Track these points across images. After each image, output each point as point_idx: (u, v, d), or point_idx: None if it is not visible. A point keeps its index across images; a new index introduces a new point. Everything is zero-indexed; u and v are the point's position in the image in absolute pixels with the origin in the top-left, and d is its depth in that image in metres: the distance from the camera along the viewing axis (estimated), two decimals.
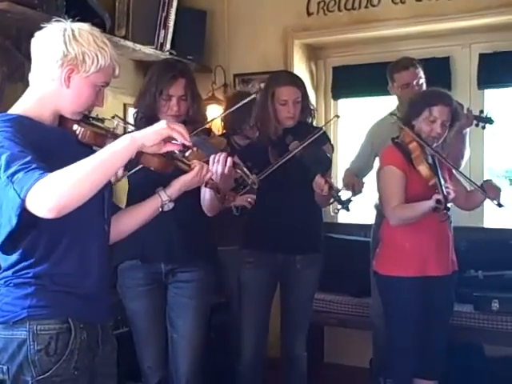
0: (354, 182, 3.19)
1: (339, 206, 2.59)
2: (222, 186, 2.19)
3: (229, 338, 3.38)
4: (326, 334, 4.13)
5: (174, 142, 1.71)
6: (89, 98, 1.75)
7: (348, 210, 2.59)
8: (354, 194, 3.11)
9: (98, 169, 1.56)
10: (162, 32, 3.95)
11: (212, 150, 2.34)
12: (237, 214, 2.73)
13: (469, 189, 2.98)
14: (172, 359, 2.60)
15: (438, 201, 2.58)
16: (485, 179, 2.90)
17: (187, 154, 2.08)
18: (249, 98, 2.54)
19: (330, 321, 3.80)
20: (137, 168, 2.29)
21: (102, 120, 1.86)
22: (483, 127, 3.24)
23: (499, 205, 2.74)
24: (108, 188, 1.81)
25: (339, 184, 3.31)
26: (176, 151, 1.78)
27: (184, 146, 1.74)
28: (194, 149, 1.87)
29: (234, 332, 3.15)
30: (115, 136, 1.72)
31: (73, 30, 1.69)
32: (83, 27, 1.72)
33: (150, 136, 1.65)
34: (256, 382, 3.01)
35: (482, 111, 3.24)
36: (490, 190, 2.78)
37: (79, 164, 1.54)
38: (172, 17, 3.96)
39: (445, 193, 2.60)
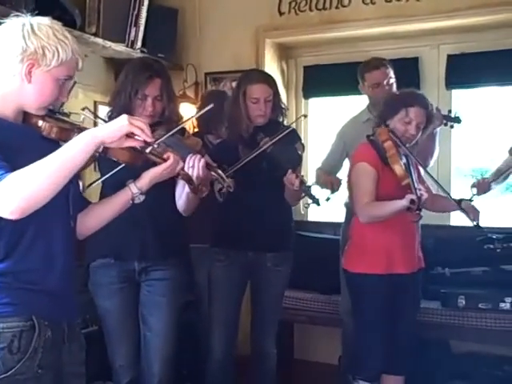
0: (333, 181, 3.20)
1: (310, 201, 2.62)
2: (199, 179, 2.20)
3: (198, 337, 3.39)
4: (296, 332, 4.15)
5: (136, 137, 1.71)
6: (52, 93, 1.73)
7: (319, 204, 2.63)
8: (333, 191, 3.13)
9: (58, 167, 1.56)
10: (133, 30, 3.94)
11: (187, 150, 2.34)
12: (221, 200, 2.72)
13: (434, 192, 3.02)
14: (144, 357, 2.60)
15: (411, 201, 2.61)
16: (462, 198, 2.94)
17: (161, 150, 2.09)
18: (207, 108, 2.55)
19: (300, 318, 3.81)
20: (113, 172, 2.29)
21: (68, 114, 1.85)
22: (451, 126, 3.29)
23: (478, 226, 2.78)
24: (73, 183, 1.80)
25: (310, 181, 3.33)
26: (138, 147, 1.77)
27: (145, 142, 1.73)
28: (155, 145, 1.86)
29: (204, 330, 3.16)
30: (81, 130, 1.71)
31: (32, 25, 1.67)
32: (43, 21, 1.70)
33: (111, 132, 1.64)
34: (226, 381, 3.01)
35: (450, 111, 3.29)
36: (470, 210, 2.82)
37: (40, 163, 1.53)
38: (143, 14, 3.95)
39: (418, 193, 2.63)
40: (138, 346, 2.61)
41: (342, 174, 3.36)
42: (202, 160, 2.28)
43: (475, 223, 2.79)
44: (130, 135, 1.68)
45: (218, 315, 2.96)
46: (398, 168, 2.73)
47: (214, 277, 2.98)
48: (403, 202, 2.63)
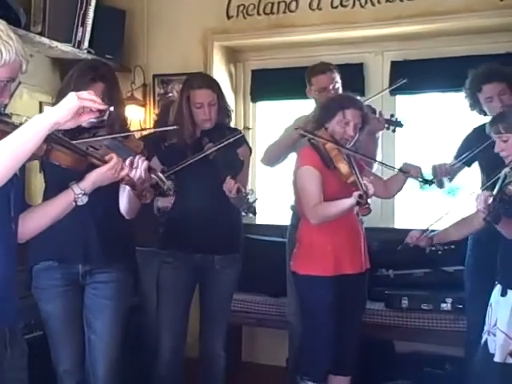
0: None
1: (246, 210, 2.62)
2: (143, 185, 2.19)
3: (145, 340, 3.36)
4: (244, 334, 4.17)
5: (90, 109, 1.69)
6: None
7: (255, 214, 2.64)
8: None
9: (9, 154, 1.53)
10: (80, 30, 3.88)
11: (128, 152, 2.32)
12: (158, 215, 2.73)
13: (385, 178, 3.09)
14: (89, 361, 2.56)
15: (359, 196, 2.67)
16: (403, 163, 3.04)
17: (101, 153, 2.07)
18: (170, 128, 2.56)
19: (248, 321, 3.84)
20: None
21: (10, 116, 1.81)
22: (393, 130, 3.37)
23: (425, 180, 2.86)
24: (14, 185, 1.76)
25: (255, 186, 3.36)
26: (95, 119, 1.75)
27: (100, 111, 1.71)
28: (111, 108, 1.83)
29: (151, 334, 3.14)
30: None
31: None
32: None
33: (62, 112, 1.62)
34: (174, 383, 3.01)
35: (392, 115, 3.37)
36: (410, 169, 2.89)
37: None
38: (90, 15, 3.90)
39: (364, 188, 2.69)
40: (82, 350, 2.57)
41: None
42: (145, 162, 2.27)
43: (420, 179, 2.87)
44: (82, 111, 1.66)
45: (166, 318, 2.94)
46: (343, 167, 2.81)
47: (162, 279, 2.96)
48: (352, 200, 2.70)
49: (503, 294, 2.57)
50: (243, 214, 2.69)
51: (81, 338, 2.56)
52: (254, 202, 2.61)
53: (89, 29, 3.90)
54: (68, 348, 2.56)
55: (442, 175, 3.10)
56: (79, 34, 3.87)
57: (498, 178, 2.42)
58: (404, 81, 3.43)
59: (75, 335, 2.56)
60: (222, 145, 2.79)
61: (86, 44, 3.90)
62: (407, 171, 2.92)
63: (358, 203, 2.69)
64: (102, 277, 2.54)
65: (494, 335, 2.58)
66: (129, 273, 2.64)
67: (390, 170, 3.05)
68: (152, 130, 3.01)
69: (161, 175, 2.34)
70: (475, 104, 3.13)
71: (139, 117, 4.22)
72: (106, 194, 2.28)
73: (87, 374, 2.58)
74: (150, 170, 2.28)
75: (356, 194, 2.69)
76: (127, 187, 2.27)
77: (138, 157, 2.24)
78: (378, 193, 2.94)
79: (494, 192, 2.34)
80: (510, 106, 3.02)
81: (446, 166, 3.11)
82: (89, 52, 3.91)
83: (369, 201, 2.71)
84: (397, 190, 3.12)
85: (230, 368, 3.22)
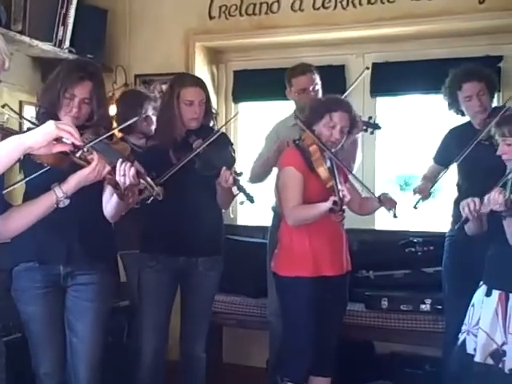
0: None
1: (244, 198, 2.65)
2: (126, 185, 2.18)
3: (127, 342, 3.35)
4: (225, 335, 4.17)
5: (65, 140, 1.68)
6: None
7: (253, 201, 2.66)
8: None
9: None
10: (61, 29, 3.85)
11: (116, 156, 2.31)
12: (136, 206, 2.69)
13: (363, 195, 3.10)
14: (71, 364, 2.55)
15: (334, 202, 2.67)
16: (382, 192, 3.00)
17: (86, 153, 2.06)
18: (131, 121, 2.54)
19: (229, 322, 3.84)
20: (35, 174, 2.23)
21: None
22: (372, 132, 3.38)
23: (395, 215, 2.85)
24: None
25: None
26: (68, 151, 1.74)
27: (75, 145, 1.71)
28: (85, 149, 1.83)
29: (133, 335, 3.12)
30: (4, 130, 1.66)
31: None
32: None
33: (39, 138, 1.62)
34: None
35: (370, 117, 3.38)
36: (386, 202, 2.88)
37: None
38: (72, 14, 3.88)
39: (341, 195, 2.69)
40: (63, 353, 2.56)
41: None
42: (133, 168, 2.25)
43: (391, 213, 2.86)
44: (58, 139, 1.65)
45: (147, 320, 2.93)
46: (323, 171, 2.81)
47: (144, 282, 2.95)
48: (327, 204, 2.70)
49: (488, 294, 2.60)
50: (240, 203, 2.69)
51: (62, 341, 2.55)
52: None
53: (70, 28, 3.88)
54: (49, 350, 2.55)
55: (425, 198, 3.10)
56: (60, 32, 3.84)
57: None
58: (367, 71, 3.52)
59: (56, 338, 2.55)
60: (213, 139, 2.78)
61: (67, 43, 3.87)
62: (383, 202, 2.89)
63: (331, 209, 2.69)
64: (84, 279, 2.52)
65: (475, 335, 2.61)
66: (111, 275, 2.64)
67: (368, 193, 3.02)
68: (117, 128, 2.96)
69: (150, 181, 2.33)
70: (453, 103, 3.16)
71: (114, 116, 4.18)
72: (90, 195, 2.28)
73: (68, 377, 2.56)
74: (138, 175, 2.27)
75: (332, 198, 2.69)
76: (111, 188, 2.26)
77: (124, 164, 2.23)
78: (353, 207, 2.97)
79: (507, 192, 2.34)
80: (487, 107, 3.07)
81: (426, 186, 3.12)
82: (70, 51, 3.88)
83: (344, 207, 2.71)
84: (368, 213, 3.13)
85: (211, 369, 3.22)
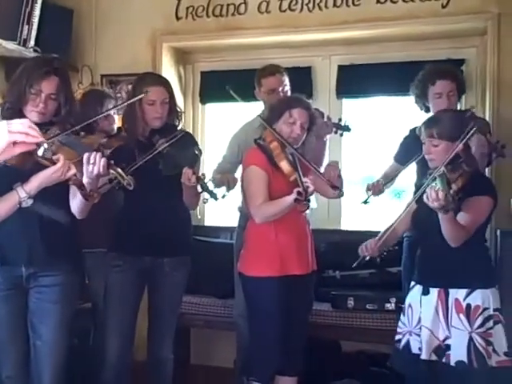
0: (229, 178, 3.20)
1: (207, 196, 2.66)
2: (91, 185, 2.16)
3: (92, 344, 3.32)
4: (193, 336, 4.16)
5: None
6: None
7: (216, 198, 2.67)
8: (229, 189, 3.11)
9: None
10: (26, 28, 3.81)
11: (85, 149, 2.32)
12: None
13: None
14: (35, 367, 2.53)
15: (298, 193, 2.71)
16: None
17: (53, 148, 2.04)
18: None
19: (196, 323, 3.83)
20: None
21: None
22: (341, 134, 3.43)
23: (334, 187, 2.86)
24: None
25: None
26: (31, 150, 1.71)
27: (36, 144, 1.67)
28: (45, 145, 1.80)
29: (99, 338, 3.10)
30: None
31: None
32: None
33: None
34: None
35: (340, 119, 3.43)
36: (329, 170, 2.91)
37: None
38: (37, 13, 3.83)
39: (304, 186, 2.73)
40: (26, 356, 2.53)
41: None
42: (103, 158, 2.26)
43: (336, 193, 2.90)
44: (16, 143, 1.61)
45: (113, 321, 2.91)
46: (285, 165, 2.84)
47: (110, 282, 2.93)
48: (291, 197, 2.73)
49: (425, 293, 2.67)
50: (203, 201, 2.69)
51: (25, 344, 2.52)
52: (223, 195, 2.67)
53: (35, 27, 3.83)
54: (11, 353, 2.52)
55: (375, 193, 3.21)
56: (25, 31, 3.80)
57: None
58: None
59: (19, 340, 2.52)
60: (175, 139, 2.79)
61: (31, 42, 3.83)
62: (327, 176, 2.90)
63: (296, 200, 2.72)
64: (47, 280, 2.50)
65: (418, 335, 2.67)
66: (75, 275, 2.61)
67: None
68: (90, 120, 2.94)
69: (120, 170, 2.34)
70: (422, 97, 3.22)
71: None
72: (52, 194, 2.26)
73: (32, 381, 2.54)
74: (108, 165, 2.28)
75: (296, 190, 2.73)
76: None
77: (94, 153, 2.23)
78: (325, 193, 3.00)
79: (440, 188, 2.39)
80: (453, 107, 3.13)
81: (379, 183, 3.22)
82: (35, 50, 3.84)
83: (312, 198, 2.76)
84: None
85: (179, 370, 3.21)
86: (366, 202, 3.25)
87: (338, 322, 3.52)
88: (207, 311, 3.76)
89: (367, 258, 2.87)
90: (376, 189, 3.24)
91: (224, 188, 3.06)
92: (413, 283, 2.78)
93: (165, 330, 3.01)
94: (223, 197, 2.81)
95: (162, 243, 2.85)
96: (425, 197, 2.41)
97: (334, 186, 2.86)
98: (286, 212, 2.83)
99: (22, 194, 1.90)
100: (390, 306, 3.46)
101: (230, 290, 3.52)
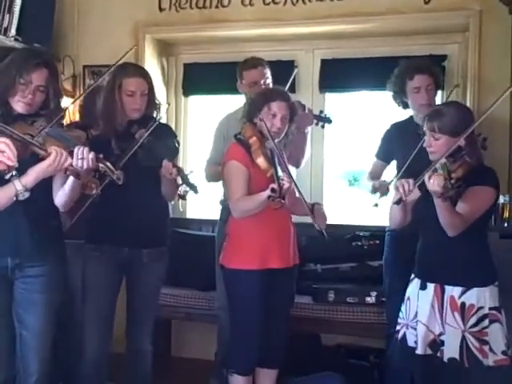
0: None
1: (187, 188, 2.65)
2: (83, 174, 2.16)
3: (70, 336, 3.30)
4: (174, 328, 4.16)
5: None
6: None
7: (196, 191, 2.67)
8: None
9: None
10: (7, 16, 3.76)
11: (73, 142, 2.32)
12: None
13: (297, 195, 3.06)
14: (21, 357, 2.52)
15: (272, 189, 2.69)
16: (317, 202, 3.07)
17: (42, 141, 2.03)
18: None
19: (177, 315, 3.84)
20: None
21: None
22: (322, 126, 3.43)
23: (321, 233, 2.88)
24: None
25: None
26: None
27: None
28: (14, 172, 1.78)
29: (76, 330, 3.08)
30: None
31: None
32: None
33: None
34: (100, 380, 2.96)
35: (321, 111, 3.43)
36: (318, 216, 2.93)
37: None
38: (18, 1, 3.79)
39: (280, 183, 2.72)
40: (12, 346, 2.52)
41: None
42: (92, 152, 2.26)
43: (319, 229, 2.89)
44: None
45: (91, 313, 2.90)
46: (262, 161, 2.83)
47: (88, 273, 2.92)
48: (266, 192, 2.72)
49: (423, 287, 2.66)
50: (184, 193, 2.68)
51: (10, 334, 2.51)
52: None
53: (16, 16, 3.79)
54: None
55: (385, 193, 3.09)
56: (6, 20, 3.76)
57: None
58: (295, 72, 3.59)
59: (5, 331, 2.51)
60: (154, 126, 2.78)
61: (13, 31, 3.78)
62: (315, 215, 2.93)
63: (270, 196, 2.70)
64: (33, 271, 2.49)
65: (414, 328, 2.67)
66: (60, 266, 2.60)
67: (301, 197, 2.99)
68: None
69: (109, 164, 2.36)
70: (399, 93, 3.23)
71: (69, 108, 4.13)
72: (38, 186, 2.24)
73: (17, 371, 2.53)
74: (97, 159, 2.29)
75: (271, 186, 2.71)
76: (71, 177, 2.25)
77: (82, 148, 2.24)
78: (288, 201, 2.86)
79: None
80: (431, 102, 3.14)
81: (385, 183, 3.15)
82: (16, 40, 3.80)
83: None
84: (298, 214, 3.10)
85: (159, 363, 3.21)
86: (376, 205, 3.03)
87: (319, 315, 3.54)
88: (188, 303, 3.77)
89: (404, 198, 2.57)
90: (383, 189, 3.11)
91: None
92: (412, 275, 2.75)
93: (143, 322, 3.01)
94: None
95: (141, 234, 2.84)
96: (426, 178, 2.40)
97: (320, 230, 2.87)
98: (262, 208, 2.81)
99: (19, 186, 1.89)
100: (371, 299, 3.49)
101: (212, 282, 3.52)
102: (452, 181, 2.36)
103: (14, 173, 1.93)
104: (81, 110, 3.49)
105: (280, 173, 2.79)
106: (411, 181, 2.48)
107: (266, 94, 3.01)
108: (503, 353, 2.56)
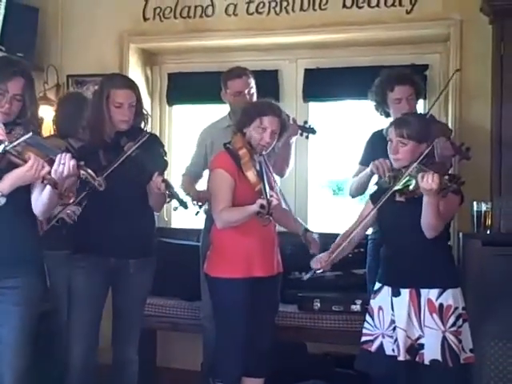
0: (200, 196, 3.05)
1: (177, 204, 2.66)
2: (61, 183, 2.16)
3: (56, 347, 3.28)
4: (159, 338, 4.14)
5: None
6: None
7: (186, 207, 2.68)
8: (201, 206, 3.00)
9: None
10: None
11: (52, 150, 2.32)
12: (56, 224, 2.69)
13: (284, 206, 3.08)
14: None
15: (261, 206, 2.70)
16: (309, 229, 3.10)
17: (21, 150, 2.02)
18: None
19: (163, 325, 3.81)
20: None
21: None
22: (307, 137, 3.44)
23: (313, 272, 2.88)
24: None
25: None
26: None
27: None
28: (6, 143, 1.78)
29: (62, 341, 3.06)
30: None
31: None
32: None
33: None
34: None
35: (306, 122, 3.45)
36: (311, 242, 2.99)
37: None
38: (1, 11, 3.80)
39: (269, 199, 2.73)
40: None
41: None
42: (73, 159, 2.26)
43: (312, 252, 2.94)
44: None
45: (77, 324, 2.88)
46: (251, 175, 2.84)
47: (75, 284, 2.91)
48: (254, 207, 2.73)
49: (396, 294, 2.70)
50: (173, 209, 2.70)
51: None
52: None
53: None
54: None
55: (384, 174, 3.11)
56: None
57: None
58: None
59: None
60: (142, 141, 2.78)
61: None
62: (308, 240, 3.00)
63: (258, 212, 2.71)
64: (10, 282, 2.45)
65: (390, 337, 2.70)
66: (38, 278, 2.56)
67: (296, 219, 3.11)
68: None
69: (90, 171, 2.35)
70: (381, 103, 3.26)
71: (52, 118, 4.11)
72: (15, 195, 2.23)
73: None
74: (78, 166, 2.29)
75: (259, 201, 2.71)
76: (48, 187, 2.24)
77: (64, 154, 2.24)
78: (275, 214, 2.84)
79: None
80: (413, 111, 3.18)
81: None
82: None
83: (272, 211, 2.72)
84: (283, 226, 3.15)
85: (145, 373, 3.19)
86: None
87: (304, 323, 3.54)
88: (174, 313, 3.75)
89: (320, 271, 2.83)
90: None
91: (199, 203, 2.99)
92: (379, 285, 2.80)
93: (129, 332, 2.99)
94: (197, 213, 2.87)
95: (127, 244, 2.84)
96: (419, 178, 2.45)
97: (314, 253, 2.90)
98: (246, 220, 2.83)
99: None
100: (356, 307, 3.49)
101: (197, 292, 3.51)
102: (446, 177, 2.44)
103: None
104: (56, 120, 3.48)
105: (268, 189, 2.80)
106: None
107: (258, 106, 3.00)
108: (471, 351, 2.68)
